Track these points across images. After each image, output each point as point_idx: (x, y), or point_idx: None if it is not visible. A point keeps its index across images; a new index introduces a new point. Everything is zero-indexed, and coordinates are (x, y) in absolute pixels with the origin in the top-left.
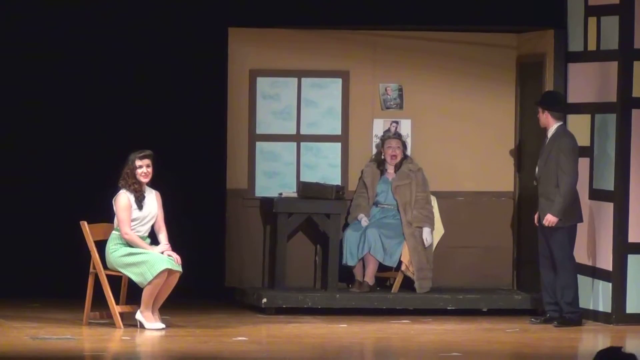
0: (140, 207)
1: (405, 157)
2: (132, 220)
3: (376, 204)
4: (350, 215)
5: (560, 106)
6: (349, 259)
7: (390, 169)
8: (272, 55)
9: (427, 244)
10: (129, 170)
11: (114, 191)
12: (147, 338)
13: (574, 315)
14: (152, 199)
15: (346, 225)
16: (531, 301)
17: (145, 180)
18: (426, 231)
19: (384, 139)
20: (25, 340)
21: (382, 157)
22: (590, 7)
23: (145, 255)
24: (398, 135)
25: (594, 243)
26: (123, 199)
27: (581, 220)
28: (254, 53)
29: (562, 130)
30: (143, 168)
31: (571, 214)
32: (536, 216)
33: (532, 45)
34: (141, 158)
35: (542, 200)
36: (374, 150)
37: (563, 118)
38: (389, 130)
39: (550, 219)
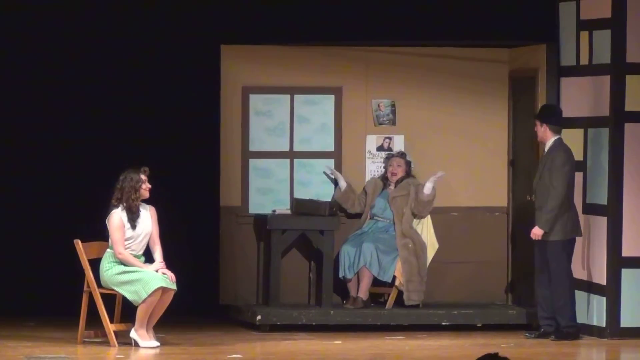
0: (133, 226)
1: (407, 174)
2: (126, 240)
3: (372, 216)
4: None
5: (558, 119)
6: (347, 272)
7: (392, 186)
8: (264, 72)
9: (427, 190)
10: (133, 184)
11: (108, 210)
12: (141, 356)
13: (572, 330)
14: (147, 215)
15: (341, 240)
16: (526, 316)
17: (147, 195)
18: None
19: (389, 157)
20: (20, 359)
21: (386, 174)
22: (582, 21)
23: (140, 273)
24: (401, 154)
25: (587, 257)
26: (116, 219)
27: (580, 234)
28: (246, 70)
29: (559, 144)
30: (146, 183)
31: (571, 227)
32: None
33: (525, 60)
34: (144, 173)
35: (537, 214)
36: (367, 166)
37: (560, 131)
38: (377, 150)
39: (535, 232)
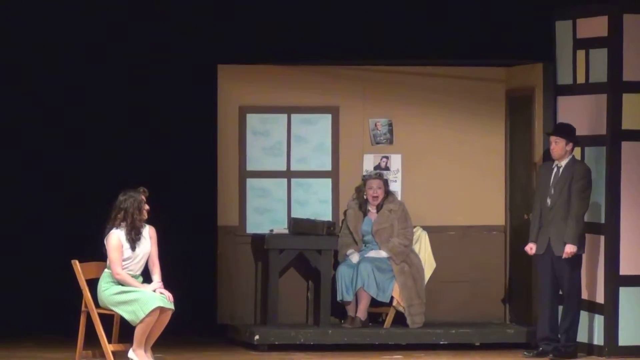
0: (133, 247)
1: (387, 194)
2: (125, 260)
3: (364, 243)
4: (339, 252)
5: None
6: (345, 295)
7: (373, 209)
8: (261, 91)
9: (354, 260)
10: (137, 205)
11: (106, 230)
12: None
13: (571, 349)
14: (146, 236)
15: (336, 262)
16: (524, 335)
17: (146, 216)
18: (377, 252)
19: (365, 179)
20: None
21: (365, 196)
22: (579, 40)
23: (137, 293)
24: (379, 175)
25: (585, 276)
26: (114, 239)
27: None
28: (243, 90)
29: (576, 160)
30: (146, 204)
31: (583, 242)
32: (530, 246)
33: (522, 79)
34: (144, 194)
35: (553, 229)
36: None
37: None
38: (374, 169)
39: (570, 251)
